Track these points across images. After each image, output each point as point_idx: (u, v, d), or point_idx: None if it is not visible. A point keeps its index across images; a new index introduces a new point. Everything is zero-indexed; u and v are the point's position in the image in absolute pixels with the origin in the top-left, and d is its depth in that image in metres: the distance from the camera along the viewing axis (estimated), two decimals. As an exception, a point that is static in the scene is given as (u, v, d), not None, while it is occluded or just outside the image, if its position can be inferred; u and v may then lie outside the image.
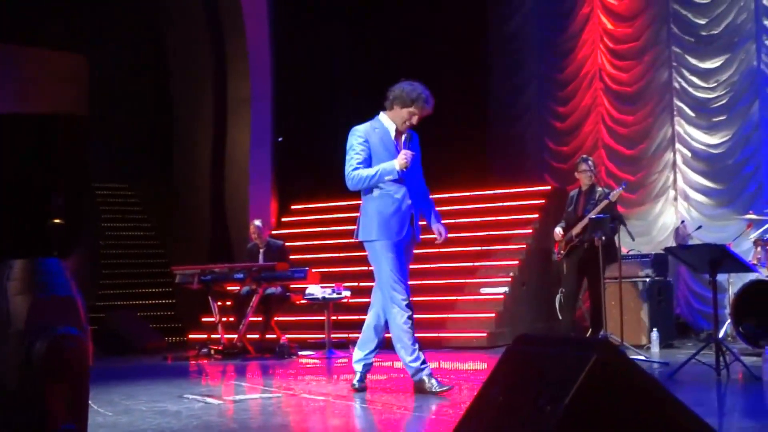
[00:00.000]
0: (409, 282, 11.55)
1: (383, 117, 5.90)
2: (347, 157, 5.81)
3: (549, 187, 12.01)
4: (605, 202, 8.44)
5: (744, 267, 6.97)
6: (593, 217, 8.33)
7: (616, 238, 8.50)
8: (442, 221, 6.18)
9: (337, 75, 14.29)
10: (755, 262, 8.39)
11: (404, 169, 5.64)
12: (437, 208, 13.57)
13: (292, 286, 10.13)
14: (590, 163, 8.90)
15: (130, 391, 6.55)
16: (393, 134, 5.83)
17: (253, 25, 13.13)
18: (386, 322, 5.90)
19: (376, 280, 5.94)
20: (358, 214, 5.74)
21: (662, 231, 11.46)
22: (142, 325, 11.68)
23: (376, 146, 5.76)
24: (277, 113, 13.44)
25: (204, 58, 13.60)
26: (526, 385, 2.69)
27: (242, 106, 13.32)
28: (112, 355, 10.21)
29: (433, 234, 6.03)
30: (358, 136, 5.80)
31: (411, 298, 5.81)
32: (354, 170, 5.73)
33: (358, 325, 10.62)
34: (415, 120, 5.80)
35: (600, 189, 8.84)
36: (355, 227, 5.97)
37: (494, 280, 10.73)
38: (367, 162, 5.74)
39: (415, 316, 10.63)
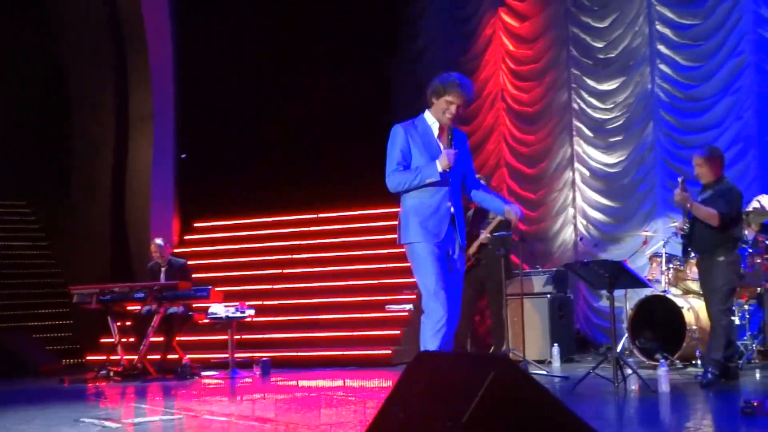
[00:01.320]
0: (315, 300, 11.54)
1: (427, 114, 5.42)
2: (388, 157, 5.35)
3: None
4: (498, 218, 8.52)
5: (640, 283, 7.16)
6: (497, 234, 8.48)
7: (516, 254, 8.64)
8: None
9: (242, 91, 14.19)
10: (651, 277, 8.63)
11: (447, 170, 5.18)
12: (344, 226, 13.43)
13: (194, 305, 9.98)
14: (484, 182, 8.94)
15: (24, 415, 6.33)
16: (436, 132, 5.37)
17: (156, 41, 12.94)
18: None
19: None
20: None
21: (562, 248, 11.72)
22: (37, 347, 11.33)
23: (417, 144, 5.31)
24: (179, 130, 13.26)
25: (105, 74, 13.33)
26: (426, 402, 2.69)
27: (144, 123, 13.09)
28: (5, 378, 9.86)
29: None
30: (397, 134, 5.33)
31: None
32: (394, 171, 5.27)
33: (262, 344, 10.60)
34: (453, 109, 5.29)
35: None
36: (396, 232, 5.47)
37: (399, 297, 10.77)
38: (408, 161, 5.31)
39: (321, 334, 10.67)
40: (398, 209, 5.23)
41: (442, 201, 5.25)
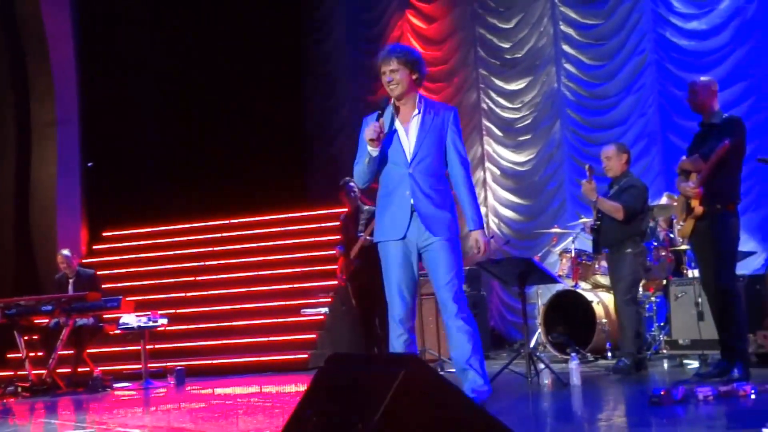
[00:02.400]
0: (230, 307, 11.36)
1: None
2: None
3: (366, 207, 12.16)
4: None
5: (550, 279, 7.29)
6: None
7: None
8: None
9: (149, 98, 13.94)
10: (561, 273, 8.78)
11: (373, 144, 4.68)
12: (257, 231, 13.18)
13: (105, 316, 9.77)
14: (351, 184, 8.38)
15: (-76, 437, 6.09)
16: (395, 115, 4.94)
17: (57, 46, 12.59)
18: None
19: None
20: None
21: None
22: (-60, 366, 10.90)
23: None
24: (85, 137, 12.94)
25: (4, 82, 12.91)
26: (338, 403, 2.68)
27: (47, 131, 12.72)
28: None
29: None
30: (361, 128, 4.89)
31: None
32: (354, 166, 4.91)
33: (175, 353, 10.43)
34: (386, 79, 4.83)
35: (366, 207, 8.39)
36: None
37: (314, 301, 10.73)
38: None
39: (237, 341, 10.54)
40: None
41: (401, 188, 4.76)
